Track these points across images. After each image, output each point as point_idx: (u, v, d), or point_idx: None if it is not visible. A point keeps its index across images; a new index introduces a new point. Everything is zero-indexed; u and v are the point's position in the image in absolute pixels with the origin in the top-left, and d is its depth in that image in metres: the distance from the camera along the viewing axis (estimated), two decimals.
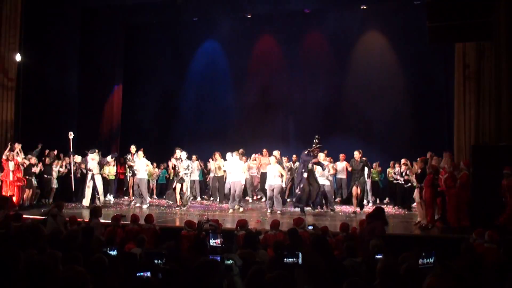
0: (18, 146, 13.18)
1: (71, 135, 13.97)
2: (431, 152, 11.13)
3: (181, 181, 13.62)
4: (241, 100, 18.93)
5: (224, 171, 14.65)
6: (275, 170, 12.90)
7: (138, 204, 13.88)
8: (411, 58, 16.79)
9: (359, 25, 17.55)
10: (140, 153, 14.24)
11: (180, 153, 13.74)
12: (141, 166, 14.14)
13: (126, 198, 16.16)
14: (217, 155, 14.98)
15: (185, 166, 13.68)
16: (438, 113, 16.33)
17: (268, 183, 13.08)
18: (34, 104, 15.32)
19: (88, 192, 13.59)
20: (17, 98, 14.35)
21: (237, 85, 18.98)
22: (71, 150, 14.01)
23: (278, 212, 12.58)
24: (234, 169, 13.20)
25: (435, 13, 9.39)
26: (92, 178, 13.65)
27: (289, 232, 7.34)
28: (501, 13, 11.12)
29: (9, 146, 13.08)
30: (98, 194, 13.70)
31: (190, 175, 14.20)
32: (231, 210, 12.83)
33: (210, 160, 16.03)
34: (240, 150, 13.91)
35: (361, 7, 17.01)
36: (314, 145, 12.67)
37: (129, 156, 14.77)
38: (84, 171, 14.30)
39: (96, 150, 14.03)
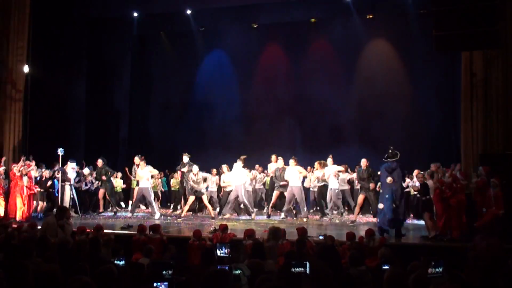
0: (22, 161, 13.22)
1: (61, 152, 13.59)
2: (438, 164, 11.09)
3: (196, 193, 13.26)
4: (247, 109, 18.95)
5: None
6: (294, 171, 12.82)
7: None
8: (418, 66, 16.79)
9: (365, 34, 17.55)
10: (142, 162, 13.61)
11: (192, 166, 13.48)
12: (144, 174, 13.53)
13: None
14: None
15: (194, 178, 13.26)
16: (445, 121, 16.29)
17: (289, 185, 12.89)
18: (42, 115, 15.40)
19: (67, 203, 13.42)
20: (25, 109, 14.42)
21: (244, 95, 18.99)
22: (60, 166, 13.61)
23: (305, 219, 12.55)
24: (238, 175, 13.17)
25: (441, 22, 9.39)
26: (71, 189, 13.65)
27: (297, 242, 7.33)
28: (508, 21, 11.11)
29: (22, 160, 13.11)
30: (75, 206, 13.68)
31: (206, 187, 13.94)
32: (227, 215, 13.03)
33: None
34: (243, 157, 13.73)
35: (367, 16, 17.04)
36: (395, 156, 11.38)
37: (134, 168, 14.59)
38: (86, 183, 14.49)
39: (75, 161, 14.01)
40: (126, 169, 15.87)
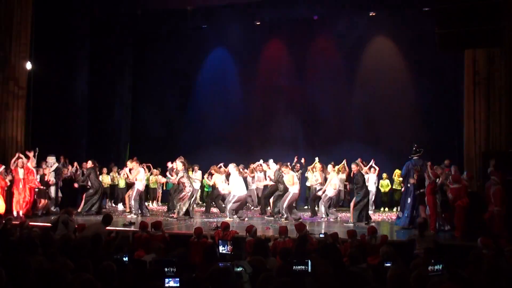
0: (30, 154, 13.24)
1: (36, 151, 13.54)
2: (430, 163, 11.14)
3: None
4: (250, 107, 18.94)
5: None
6: (288, 179, 12.69)
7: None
8: (420, 64, 16.74)
9: (367, 31, 17.54)
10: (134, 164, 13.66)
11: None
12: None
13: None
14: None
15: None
16: (447, 119, 16.24)
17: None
18: (45, 112, 15.43)
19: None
20: (28, 106, 14.45)
21: (246, 92, 18.98)
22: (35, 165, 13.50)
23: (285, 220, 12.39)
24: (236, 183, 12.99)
25: (444, 20, 9.35)
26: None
27: (298, 238, 7.34)
28: (511, 20, 11.07)
29: (16, 155, 13.15)
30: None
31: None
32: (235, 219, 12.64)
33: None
34: (241, 166, 13.64)
35: (370, 14, 17.01)
36: (419, 153, 11.90)
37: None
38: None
39: (54, 157, 13.91)
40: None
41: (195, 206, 13.92)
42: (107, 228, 8.97)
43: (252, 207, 15.56)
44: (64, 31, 16.32)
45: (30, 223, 9.97)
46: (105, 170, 15.47)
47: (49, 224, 9.97)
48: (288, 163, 13.61)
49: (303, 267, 4.79)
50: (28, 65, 14.23)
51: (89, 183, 13.93)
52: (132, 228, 10.51)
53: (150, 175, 15.97)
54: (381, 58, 17.35)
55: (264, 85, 18.63)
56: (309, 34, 18.26)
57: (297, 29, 18.23)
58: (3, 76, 14.25)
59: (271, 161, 14.36)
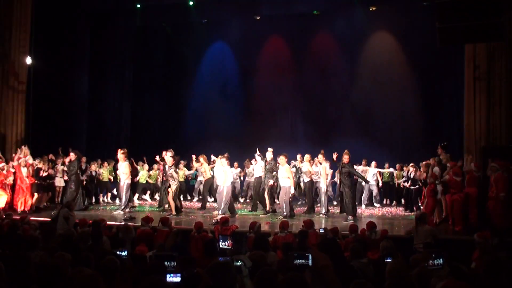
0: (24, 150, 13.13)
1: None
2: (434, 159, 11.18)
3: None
4: (249, 102, 18.93)
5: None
6: (283, 171, 12.49)
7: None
8: (421, 59, 16.73)
9: (368, 26, 17.51)
10: (122, 156, 13.15)
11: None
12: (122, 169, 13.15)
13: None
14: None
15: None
16: (448, 114, 16.26)
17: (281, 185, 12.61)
18: (44, 107, 15.42)
19: None
20: (28, 101, 14.45)
21: (246, 87, 18.99)
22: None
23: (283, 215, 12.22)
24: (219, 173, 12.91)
25: (444, 14, 9.31)
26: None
27: (299, 233, 7.35)
28: None
29: (18, 151, 13.06)
30: None
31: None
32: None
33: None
34: (226, 155, 13.54)
35: (370, 9, 16.98)
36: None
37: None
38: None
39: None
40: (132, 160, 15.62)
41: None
42: (108, 223, 8.98)
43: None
44: (64, 26, 16.30)
45: (31, 218, 9.97)
46: (106, 164, 15.43)
47: (49, 219, 9.98)
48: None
49: (304, 261, 4.80)
50: (28, 60, 14.21)
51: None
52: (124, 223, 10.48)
53: (151, 170, 15.97)
54: (382, 53, 17.35)
55: (264, 80, 18.63)
56: (309, 29, 18.24)
57: (297, 24, 18.22)
58: (3, 70, 14.26)
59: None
